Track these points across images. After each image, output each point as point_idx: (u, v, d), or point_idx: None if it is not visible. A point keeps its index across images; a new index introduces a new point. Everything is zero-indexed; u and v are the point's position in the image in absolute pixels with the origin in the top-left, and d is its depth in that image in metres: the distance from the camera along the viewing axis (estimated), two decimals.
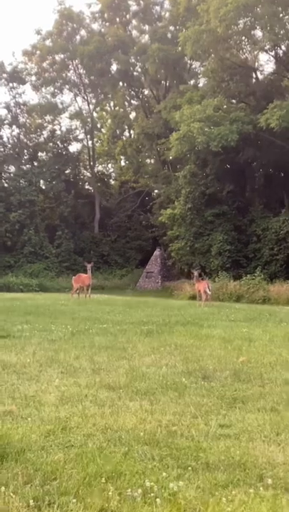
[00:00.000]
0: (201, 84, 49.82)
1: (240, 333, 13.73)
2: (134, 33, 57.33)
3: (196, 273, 28.66)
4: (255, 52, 43.16)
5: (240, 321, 17.08)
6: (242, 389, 7.76)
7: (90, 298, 29.38)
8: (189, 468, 4.81)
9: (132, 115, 61.39)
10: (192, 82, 51.78)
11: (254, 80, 44.11)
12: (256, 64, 44.50)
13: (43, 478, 4.56)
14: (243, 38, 40.63)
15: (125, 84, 57.97)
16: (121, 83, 57.66)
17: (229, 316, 18.90)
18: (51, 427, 5.82)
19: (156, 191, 56.40)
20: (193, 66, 53.20)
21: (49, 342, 11.94)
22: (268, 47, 40.06)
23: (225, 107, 40.03)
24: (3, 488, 4.32)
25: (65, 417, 6.24)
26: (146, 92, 58.39)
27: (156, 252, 47.82)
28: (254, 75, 44.30)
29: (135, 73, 56.14)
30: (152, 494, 4.27)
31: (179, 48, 44.72)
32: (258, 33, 39.77)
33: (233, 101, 43.60)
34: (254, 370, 9.00)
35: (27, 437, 5.47)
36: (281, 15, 37.20)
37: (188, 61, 51.31)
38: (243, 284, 33.21)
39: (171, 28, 52.27)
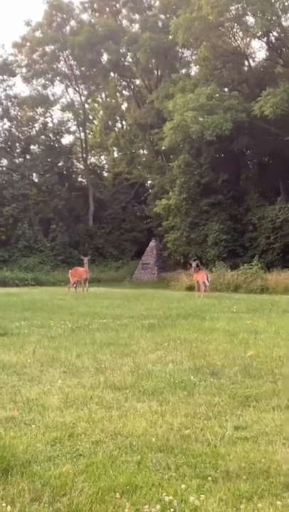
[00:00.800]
0: (193, 73, 49.43)
1: (244, 326, 13.39)
2: (125, 22, 56.74)
3: (194, 264, 28.28)
4: (248, 39, 42.56)
5: (242, 313, 16.76)
6: (254, 386, 7.41)
7: (87, 292, 28.99)
8: (209, 478, 4.45)
9: (124, 106, 60.91)
10: (184, 70, 51.34)
11: (246, 68, 43.58)
12: (248, 51, 43.99)
13: (51, 494, 4.19)
14: (235, 24, 40.18)
15: (116, 75, 57.37)
16: (112, 74, 56.98)
17: (231, 307, 18.55)
18: (57, 434, 5.46)
19: (150, 182, 56.02)
20: (185, 55, 52.85)
21: (49, 339, 11.57)
22: (260, 33, 39.45)
23: (218, 95, 39.63)
24: (9, 507, 3.94)
25: (71, 422, 5.88)
26: (137, 82, 57.82)
27: (152, 244, 47.42)
28: (246, 63, 43.74)
29: (126, 63, 55.49)
30: (172, 510, 3.91)
31: (170, 37, 44.18)
32: (250, 19, 39.31)
33: (226, 89, 43.19)
34: (264, 365, 8.65)
35: (32, 447, 5.10)
36: (273, 0, 36.73)
37: (180, 50, 50.84)
38: (241, 274, 32.94)
39: (162, 16, 51.70)
